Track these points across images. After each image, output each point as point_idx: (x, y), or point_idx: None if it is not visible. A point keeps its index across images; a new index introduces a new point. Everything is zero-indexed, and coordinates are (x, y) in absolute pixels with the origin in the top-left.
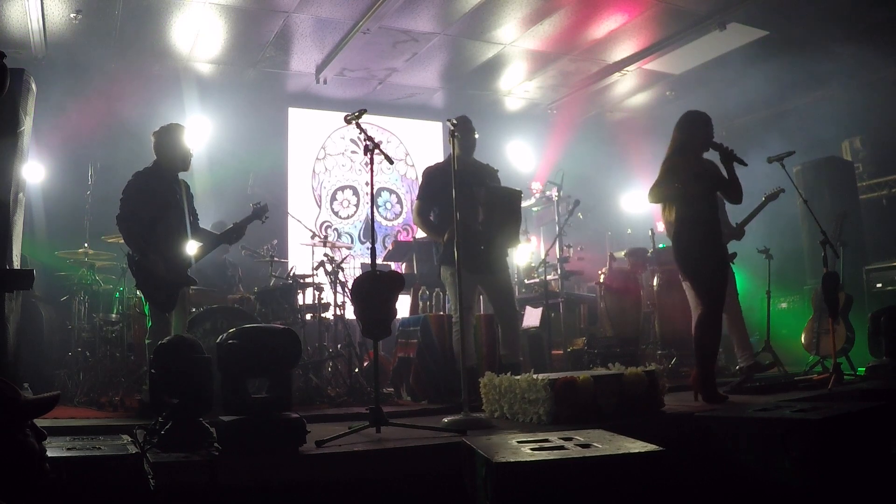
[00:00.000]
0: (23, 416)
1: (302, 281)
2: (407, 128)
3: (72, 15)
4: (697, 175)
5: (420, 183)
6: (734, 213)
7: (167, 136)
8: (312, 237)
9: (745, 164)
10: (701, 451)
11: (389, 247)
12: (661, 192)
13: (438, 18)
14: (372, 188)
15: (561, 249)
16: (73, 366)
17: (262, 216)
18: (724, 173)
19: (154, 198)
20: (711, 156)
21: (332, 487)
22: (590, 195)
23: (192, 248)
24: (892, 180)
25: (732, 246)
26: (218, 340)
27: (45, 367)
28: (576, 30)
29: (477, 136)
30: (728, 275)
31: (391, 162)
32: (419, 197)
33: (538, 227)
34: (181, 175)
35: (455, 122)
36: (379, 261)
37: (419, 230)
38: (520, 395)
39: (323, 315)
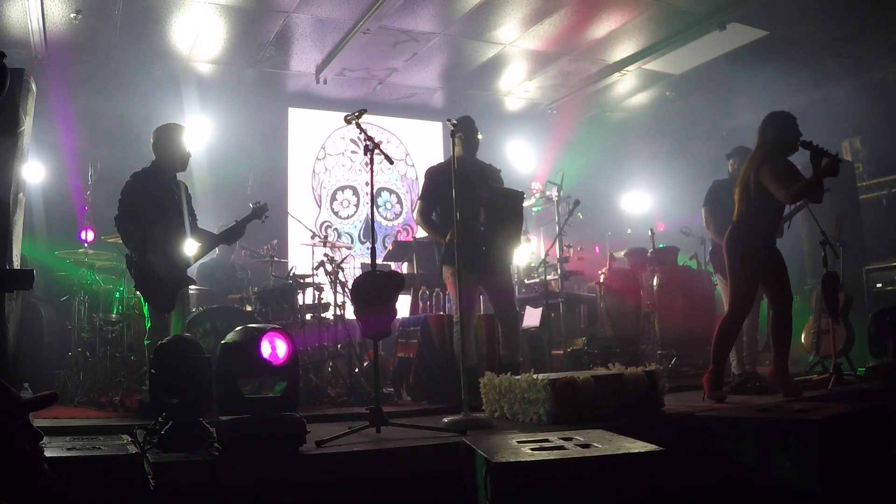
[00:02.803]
0: (18, 414)
1: (302, 281)
2: (407, 128)
3: (72, 15)
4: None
5: (423, 183)
6: None
7: (166, 136)
8: (312, 237)
9: (836, 170)
10: (701, 451)
11: (389, 247)
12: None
13: (438, 18)
14: (372, 188)
15: (561, 249)
16: (73, 366)
17: (262, 215)
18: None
19: (152, 198)
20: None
21: (332, 487)
22: (590, 195)
23: (191, 248)
24: (892, 180)
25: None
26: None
27: (45, 367)
28: (576, 30)
29: (480, 136)
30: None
31: (391, 162)
32: (421, 197)
33: (538, 227)
34: (180, 176)
35: (455, 121)
36: (379, 261)
37: (419, 230)
38: (520, 395)
39: (323, 315)
